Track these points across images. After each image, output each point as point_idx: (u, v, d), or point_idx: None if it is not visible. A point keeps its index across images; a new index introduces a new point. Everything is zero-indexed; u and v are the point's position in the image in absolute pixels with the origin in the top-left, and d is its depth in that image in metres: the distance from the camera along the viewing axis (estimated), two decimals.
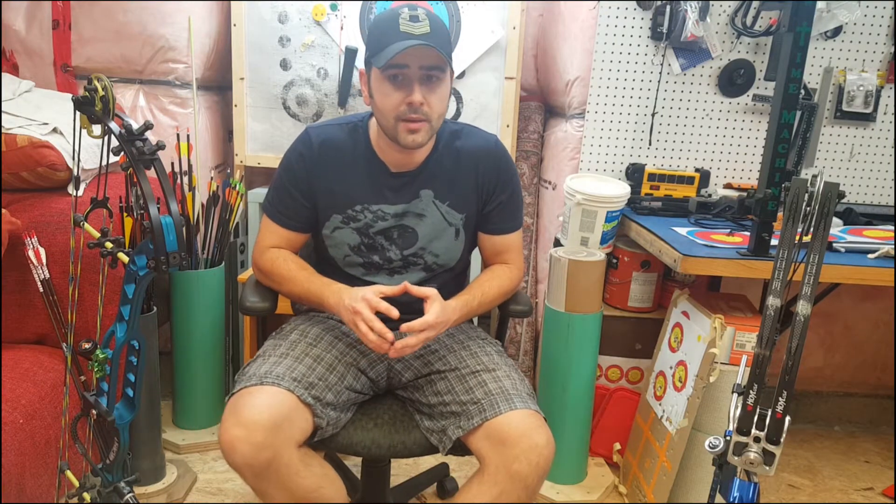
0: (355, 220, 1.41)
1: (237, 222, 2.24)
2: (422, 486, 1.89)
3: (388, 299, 1.27)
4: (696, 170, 2.18)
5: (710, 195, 2.16)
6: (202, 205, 2.12)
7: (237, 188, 2.13)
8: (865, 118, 2.16)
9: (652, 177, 2.12)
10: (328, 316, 1.46)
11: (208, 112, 2.28)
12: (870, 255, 1.66)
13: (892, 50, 2.11)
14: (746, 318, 1.71)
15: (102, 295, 1.44)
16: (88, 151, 1.60)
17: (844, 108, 2.15)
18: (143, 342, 1.21)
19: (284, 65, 2.18)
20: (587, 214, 1.94)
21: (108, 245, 1.17)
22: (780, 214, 1.57)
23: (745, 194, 1.96)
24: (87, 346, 1.23)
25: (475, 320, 1.64)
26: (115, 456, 1.25)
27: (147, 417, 1.81)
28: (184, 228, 1.72)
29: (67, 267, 1.55)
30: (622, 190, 1.96)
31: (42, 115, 1.67)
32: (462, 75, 2.17)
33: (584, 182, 1.99)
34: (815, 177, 1.07)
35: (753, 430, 1.08)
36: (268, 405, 1.17)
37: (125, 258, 1.14)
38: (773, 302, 1.09)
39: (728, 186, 2.19)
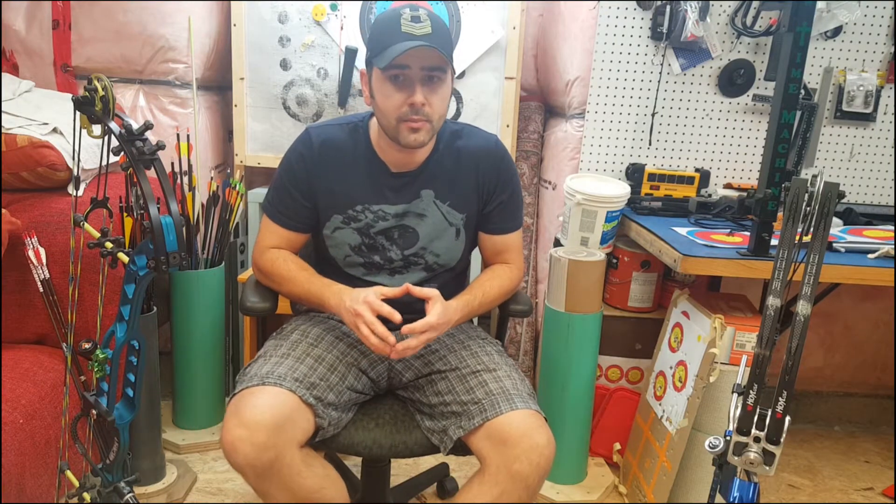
0: (356, 220, 1.41)
1: (237, 222, 2.24)
2: (422, 486, 1.89)
3: (389, 300, 1.27)
4: (696, 170, 2.18)
5: (710, 195, 2.16)
6: (202, 205, 2.12)
7: (237, 188, 2.13)
8: (865, 118, 2.16)
9: (652, 177, 2.12)
10: (329, 316, 1.46)
11: (208, 112, 2.28)
12: (870, 255, 1.66)
13: (892, 50, 2.11)
14: (746, 318, 1.71)
15: (102, 295, 1.44)
16: (88, 151, 1.60)
17: (844, 108, 2.15)
18: (143, 342, 1.21)
19: (284, 65, 2.18)
20: (587, 214, 1.94)
21: (108, 245, 1.17)
22: (780, 214, 1.57)
23: (745, 194, 1.96)
24: (87, 346, 1.23)
25: (475, 320, 1.64)
26: (115, 456, 1.25)
27: (147, 417, 1.81)
28: (184, 228, 1.72)
29: (67, 267, 1.55)
30: (622, 190, 1.96)
31: (42, 115, 1.67)
32: (462, 75, 2.17)
33: (584, 182, 1.99)
34: (815, 177, 1.07)
35: (753, 430, 1.08)
36: (270, 405, 1.17)
37: (125, 258, 1.14)
38: (773, 302, 1.09)
39: (728, 186, 2.19)
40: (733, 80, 2.11)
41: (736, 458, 1.10)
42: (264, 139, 2.24)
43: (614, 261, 2.09)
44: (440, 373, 1.36)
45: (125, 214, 1.69)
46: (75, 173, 1.45)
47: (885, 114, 2.17)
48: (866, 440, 2.42)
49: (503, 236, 1.49)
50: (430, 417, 1.34)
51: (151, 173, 1.11)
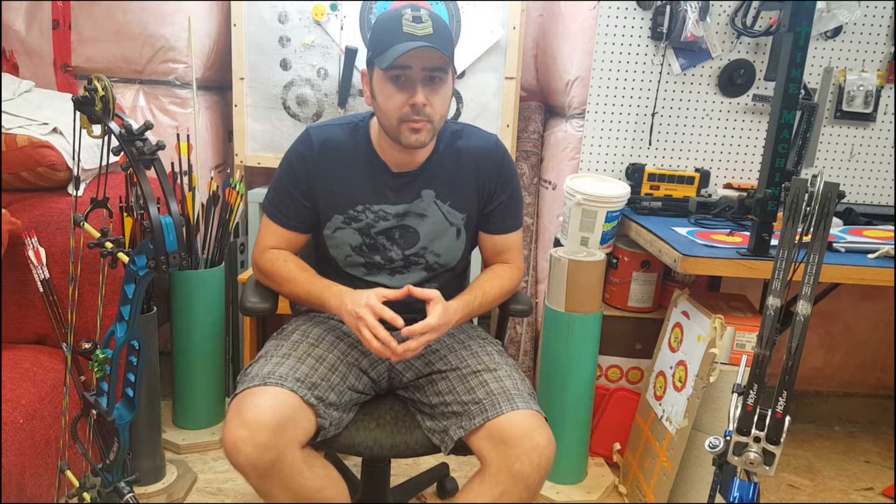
0: (357, 220, 1.41)
1: (237, 222, 2.24)
2: (422, 486, 1.89)
3: (390, 300, 1.27)
4: (696, 170, 2.18)
5: (710, 195, 2.16)
6: (202, 205, 2.12)
7: (237, 188, 2.13)
8: (865, 118, 2.16)
9: (652, 177, 2.12)
10: (329, 316, 1.46)
11: (208, 112, 2.28)
12: (870, 255, 1.66)
13: (892, 50, 2.11)
14: (746, 318, 1.71)
15: (102, 295, 1.44)
16: (88, 151, 1.60)
17: (844, 108, 2.15)
18: (143, 342, 1.21)
19: (284, 65, 2.18)
20: (587, 214, 1.94)
21: (108, 245, 1.17)
22: (780, 214, 1.57)
23: (745, 194, 1.96)
24: (87, 346, 1.23)
25: (475, 320, 1.64)
26: (115, 456, 1.25)
27: (147, 417, 1.81)
28: (184, 228, 1.72)
29: (67, 267, 1.55)
30: (622, 190, 1.96)
31: (42, 115, 1.67)
32: (462, 75, 2.17)
33: (584, 182, 1.99)
34: (815, 177, 1.07)
35: (753, 430, 1.08)
36: (271, 406, 1.17)
37: (125, 258, 1.14)
38: (773, 302, 1.09)
39: (728, 186, 2.19)
40: (733, 80, 2.11)
41: (736, 458, 1.10)
42: (264, 139, 2.24)
43: (614, 261, 2.09)
44: (441, 373, 1.36)
45: (125, 214, 1.69)
46: (75, 173, 1.45)
47: (885, 114, 2.17)
48: (866, 440, 2.42)
49: (503, 236, 1.49)
50: (431, 417, 1.34)
51: (151, 173, 1.11)
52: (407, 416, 1.38)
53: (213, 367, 2.14)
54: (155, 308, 1.81)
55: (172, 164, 2.01)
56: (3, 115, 1.60)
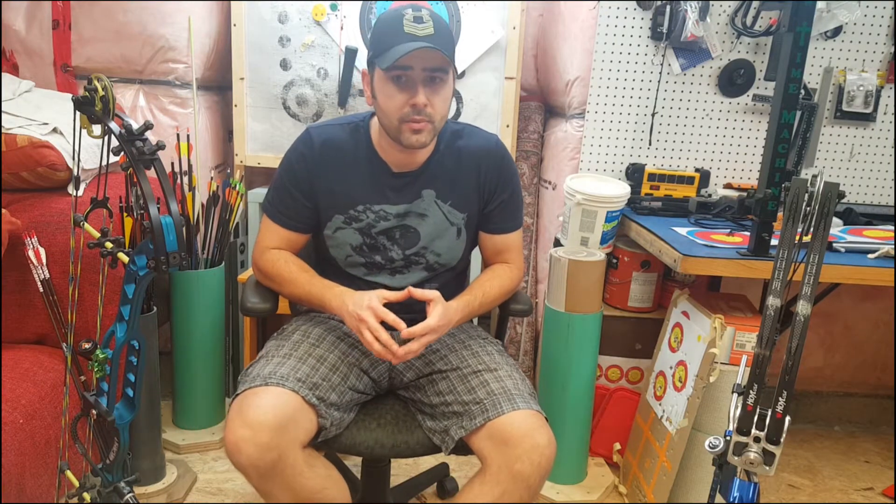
0: (357, 220, 1.41)
1: (237, 222, 2.24)
2: (422, 486, 1.89)
3: (390, 302, 1.27)
4: (696, 170, 2.18)
5: (710, 195, 2.16)
6: (202, 205, 2.12)
7: (237, 188, 2.13)
8: (865, 118, 2.16)
9: (652, 177, 2.12)
10: (329, 316, 1.46)
11: (208, 112, 2.28)
12: (870, 255, 1.66)
13: (892, 50, 2.11)
14: (746, 318, 1.71)
15: (102, 295, 1.44)
16: (88, 151, 1.59)
17: (844, 108, 2.15)
18: (143, 342, 1.21)
19: (284, 65, 2.18)
20: (587, 214, 1.94)
21: (108, 245, 1.17)
22: (780, 214, 1.57)
23: (745, 194, 1.96)
24: (87, 346, 1.23)
25: (475, 320, 1.64)
26: (115, 456, 1.25)
27: (147, 417, 1.81)
28: (184, 228, 1.72)
29: (67, 267, 1.55)
30: (622, 190, 1.96)
31: (42, 115, 1.67)
32: (462, 75, 2.17)
33: (584, 182, 1.99)
34: (815, 177, 1.07)
35: (753, 430, 1.08)
36: (273, 406, 1.17)
37: (125, 258, 1.14)
38: (773, 302, 1.09)
39: (728, 186, 2.19)
40: (733, 80, 2.11)
41: (736, 458, 1.10)
42: (264, 139, 2.24)
43: (614, 261, 2.09)
44: (441, 372, 1.36)
45: (125, 214, 1.69)
46: (75, 173, 1.45)
47: (885, 114, 2.17)
48: (866, 440, 2.42)
49: (503, 236, 1.49)
50: (432, 417, 1.34)
51: (151, 173, 1.11)
52: (408, 416, 1.39)
53: (213, 367, 2.14)
54: (155, 308, 1.81)
55: (172, 164, 2.01)
56: (3, 115, 1.60)
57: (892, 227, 1.93)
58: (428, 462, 1.97)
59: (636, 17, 2.06)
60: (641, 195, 2.12)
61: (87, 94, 1.14)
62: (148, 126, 1.10)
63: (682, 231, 1.81)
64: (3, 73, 1.85)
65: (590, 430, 1.98)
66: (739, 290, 2.03)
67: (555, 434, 1.24)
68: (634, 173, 2.15)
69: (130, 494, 1.26)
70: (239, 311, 2.28)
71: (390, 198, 1.41)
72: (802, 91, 1.86)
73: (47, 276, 1.54)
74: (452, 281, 1.50)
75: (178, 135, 2.08)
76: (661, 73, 2.10)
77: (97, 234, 1.19)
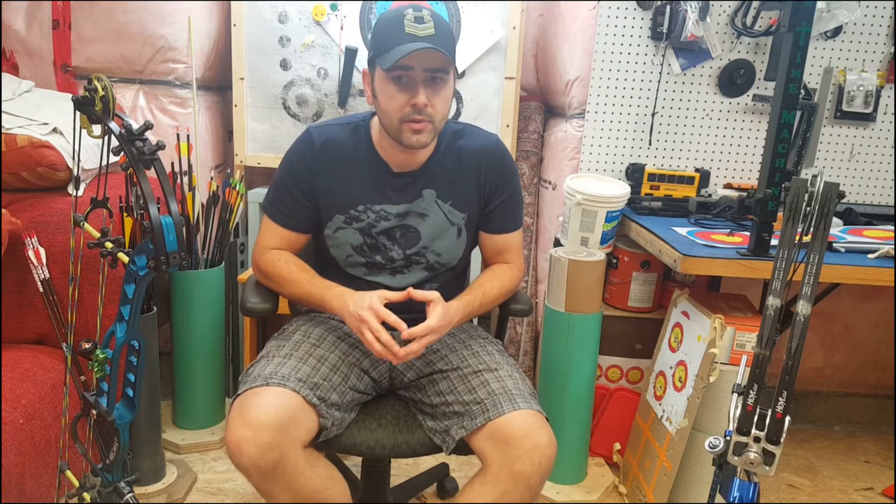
0: (358, 220, 1.41)
1: (237, 222, 2.24)
2: (422, 486, 1.89)
3: (390, 302, 1.27)
4: (696, 170, 2.18)
5: (710, 195, 2.16)
6: (202, 205, 2.12)
7: (237, 188, 2.13)
8: (865, 118, 2.16)
9: (652, 177, 2.12)
10: (330, 316, 1.46)
11: (208, 112, 2.28)
12: (870, 255, 1.66)
13: (892, 50, 2.11)
14: (746, 318, 1.71)
15: (102, 295, 1.44)
16: (88, 151, 1.59)
17: (844, 108, 2.15)
18: (143, 342, 1.21)
19: (284, 65, 2.18)
20: (587, 214, 1.94)
21: (108, 245, 1.17)
22: (780, 214, 1.57)
23: (745, 194, 1.96)
24: (87, 346, 1.23)
25: (475, 320, 1.64)
26: (115, 456, 1.25)
27: (147, 417, 1.81)
28: (184, 228, 1.72)
29: (67, 267, 1.55)
30: (622, 190, 1.96)
31: (42, 115, 1.67)
32: (462, 75, 2.17)
33: (584, 182, 1.99)
34: (815, 177, 1.07)
35: (753, 430, 1.08)
36: (274, 406, 1.17)
37: (125, 258, 1.14)
38: (773, 302, 1.09)
39: (728, 186, 2.19)
40: (733, 80, 2.11)
41: (736, 458, 1.10)
42: (264, 139, 2.24)
43: (614, 261, 2.09)
44: (442, 372, 1.36)
45: (125, 214, 1.69)
46: (75, 173, 1.45)
47: (885, 114, 2.17)
48: (866, 440, 2.42)
49: (503, 236, 1.49)
50: (432, 417, 1.34)
51: (151, 173, 1.11)
52: (408, 416, 1.39)
53: (213, 367, 2.14)
54: (155, 308, 1.81)
55: (172, 164, 2.01)
56: (3, 115, 1.60)
57: (892, 227, 1.93)
58: (428, 462, 1.97)
59: (636, 17, 2.06)
60: (641, 195, 2.12)
61: (87, 94, 1.14)
62: (148, 126, 1.10)
63: (682, 231, 1.81)
64: (3, 73, 1.85)
65: (590, 430, 1.98)
66: (739, 290, 2.03)
67: (555, 434, 1.24)
68: (634, 173, 2.15)
69: (130, 494, 1.26)
70: (239, 311, 2.28)
71: (391, 197, 1.41)
72: (802, 91, 1.86)
73: (47, 276, 1.54)
74: (452, 281, 1.51)
75: (178, 135, 2.08)
76: (661, 73, 2.10)
77: (97, 234, 1.19)
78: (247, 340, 2.08)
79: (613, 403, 2.09)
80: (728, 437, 1.11)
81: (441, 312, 1.27)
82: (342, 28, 2.14)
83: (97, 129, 1.17)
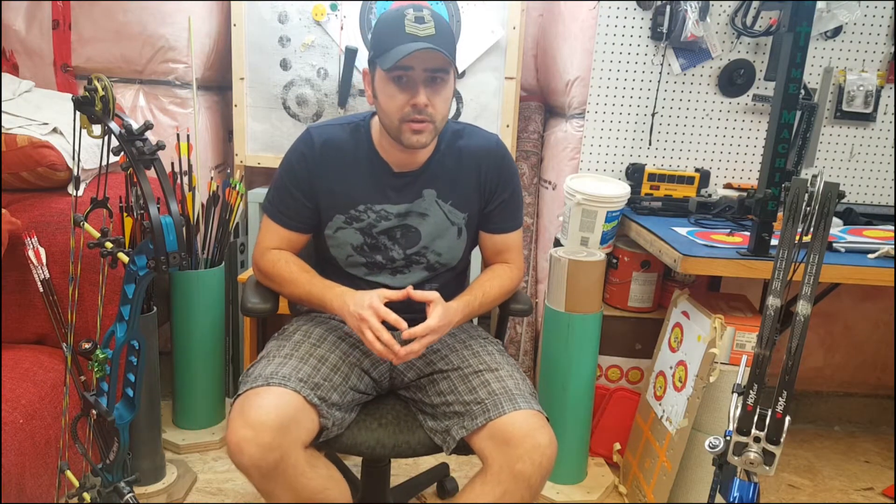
0: (358, 220, 1.41)
1: (237, 222, 2.24)
2: (422, 486, 1.89)
3: (390, 301, 1.27)
4: (696, 170, 2.18)
5: (710, 195, 2.16)
6: (202, 205, 2.12)
7: (237, 188, 2.13)
8: (865, 118, 2.16)
9: (652, 177, 2.12)
10: (330, 316, 1.46)
11: (208, 112, 2.28)
12: (870, 255, 1.66)
13: (892, 50, 2.11)
14: (746, 318, 1.71)
15: (102, 295, 1.44)
16: (88, 151, 1.59)
17: (844, 108, 2.15)
18: (143, 342, 1.21)
19: (284, 65, 2.18)
20: (587, 214, 1.94)
21: (108, 245, 1.17)
22: (780, 214, 1.57)
23: (745, 194, 1.96)
24: (87, 346, 1.23)
25: (475, 320, 1.64)
26: (115, 456, 1.25)
27: (147, 417, 1.81)
28: (184, 228, 1.72)
29: (67, 267, 1.55)
30: (622, 190, 1.96)
31: (42, 115, 1.67)
32: (462, 75, 2.17)
33: (584, 182, 1.99)
34: (815, 177, 1.07)
35: (753, 430, 1.08)
36: (275, 406, 1.17)
37: (125, 258, 1.14)
38: (773, 302, 1.09)
39: (728, 186, 2.19)
40: (733, 80, 2.11)
41: (736, 458, 1.10)
42: (264, 139, 2.24)
43: (614, 261, 2.09)
44: (442, 372, 1.36)
45: (125, 214, 1.69)
46: (75, 173, 1.45)
47: (885, 114, 2.17)
48: (866, 440, 2.42)
49: (503, 235, 1.49)
50: (433, 417, 1.34)
51: (151, 173, 1.11)
52: (409, 416, 1.39)
53: (213, 367, 2.14)
54: (155, 308, 1.81)
55: (172, 164, 2.01)
56: (3, 115, 1.60)
57: (892, 227, 1.93)
58: (428, 462, 1.97)
59: (636, 17, 2.06)
60: (641, 195, 2.12)
61: (87, 94, 1.14)
62: (148, 126, 1.10)
63: (682, 231, 1.81)
64: (3, 73, 1.85)
65: (590, 430, 1.98)
66: (739, 290, 2.03)
67: (555, 434, 1.24)
68: (634, 173, 2.15)
69: (130, 494, 1.26)
70: (239, 311, 2.28)
71: (391, 197, 1.41)
72: (802, 91, 1.86)
73: (47, 276, 1.54)
74: (452, 281, 1.51)
75: (178, 135, 2.08)
76: (661, 73, 2.10)
77: (97, 234, 1.19)
78: (247, 340, 2.08)
79: (613, 403, 2.09)
80: (728, 437, 1.11)
81: (441, 312, 1.27)
82: (342, 28, 2.14)
83: (97, 129, 1.17)
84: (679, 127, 2.16)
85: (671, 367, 1.83)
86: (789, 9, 1.48)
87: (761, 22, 2.04)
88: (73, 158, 1.40)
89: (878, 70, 2.14)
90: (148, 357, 1.64)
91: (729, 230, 1.81)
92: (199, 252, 2.13)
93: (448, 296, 1.35)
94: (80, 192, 1.62)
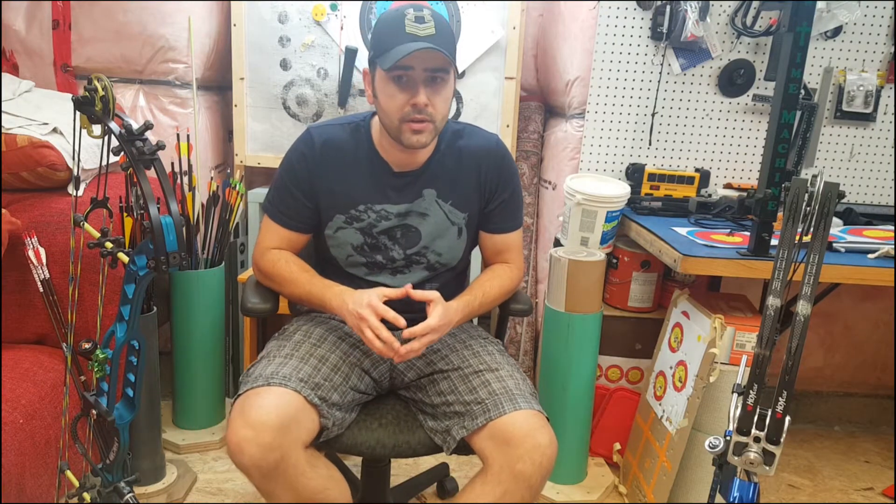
0: (358, 220, 1.41)
1: (237, 222, 2.24)
2: (422, 486, 1.89)
3: (390, 300, 1.27)
4: (696, 170, 2.18)
5: (710, 195, 2.16)
6: (202, 205, 2.12)
7: (237, 188, 2.13)
8: (865, 118, 2.16)
9: (652, 177, 2.12)
10: (330, 316, 1.46)
11: (208, 112, 2.28)
12: (870, 255, 1.66)
13: (892, 50, 2.11)
14: (746, 318, 1.71)
15: (102, 295, 1.44)
16: (88, 151, 1.59)
17: (844, 108, 2.15)
18: (143, 342, 1.21)
19: (284, 65, 2.18)
20: (587, 214, 1.94)
21: (108, 245, 1.17)
22: (780, 214, 1.57)
23: (745, 194, 1.96)
24: (87, 346, 1.23)
25: (475, 319, 1.64)
26: (115, 456, 1.25)
27: (147, 417, 1.81)
28: (184, 228, 1.72)
29: (67, 267, 1.55)
30: (622, 190, 1.96)
31: (42, 115, 1.67)
32: (462, 75, 2.17)
33: (584, 182, 1.99)
34: (815, 177, 1.07)
35: (753, 430, 1.08)
36: (275, 406, 1.17)
37: (125, 258, 1.14)
38: (773, 302, 1.09)
39: (728, 186, 2.19)
40: (733, 80, 2.11)
41: (736, 458, 1.10)
42: (264, 139, 2.24)
43: (614, 261, 2.10)
44: (442, 372, 1.36)
45: (125, 214, 1.69)
46: (75, 173, 1.45)
47: (885, 114, 2.17)
48: (866, 440, 2.42)
49: (503, 235, 1.49)
50: (433, 417, 1.34)
51: (151, 173, 1.11)
52: (409, 416, 1.39)
53: (213, 367, 2.14)
54: (155, 308, 1.81)
55: (172, 164, 2.01)
56: (3, 115, 1.60)
57: (892, 227, 1.93)
58: (428, 462, 1.97)
59: (636, 17, 2.06)
60: (641, 195, 2.12)
61: (87, 94, 1.14)
62: (148, 126, 1.10)
63: (682, 231, 1.81)
64: (3, 73, 1.85)
65: (590, 430, 1.98)
66: (739, 290, 2.03)
67: (555, 434, 1.24)
68: (634, 173, 2.15)
69: (130, 494, 1.26)
70: (239, 311, 2.28)
71: (391, 197, 1.41)
72: (802, 91, 1.86)
73: (47, 276, 1.54)
74: (453, 281, 1.51)
75: (178, 135, 2.08)
76: (661, 73, 2.10)
77: (97, 234, 1.19)
78: (247, 340, 2.08)
79: (613, 403, 2.09)
80: (728, 437, 1.11)
81: (441, 312, 1.27)
82: (342, 28, 2.14)
83: (97, 129, 1.17)
84: (679, 127, 2.16)
85: (671, 367, 1.83)
86: (789, 9, 1.48)
87: (761, 22, 2.04)
88: (73, 158, 1.40)
89: (878, 70, 2.14)
90: (148, 357, 1.64)
91: (729, 230, 1.81)
92: (199, 252, 2.13)
93: (448, 296, 1.35)
94: (80, 192, 1.62)
